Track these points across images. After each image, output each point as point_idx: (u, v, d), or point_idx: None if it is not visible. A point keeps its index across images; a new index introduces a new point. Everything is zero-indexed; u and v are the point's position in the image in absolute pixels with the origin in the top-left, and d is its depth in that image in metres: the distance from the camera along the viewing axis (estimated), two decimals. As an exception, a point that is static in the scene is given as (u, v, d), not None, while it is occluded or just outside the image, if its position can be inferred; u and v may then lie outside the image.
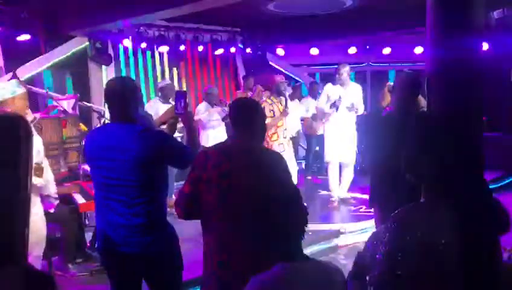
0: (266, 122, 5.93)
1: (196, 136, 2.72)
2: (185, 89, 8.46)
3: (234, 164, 2.33)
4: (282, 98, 6.08)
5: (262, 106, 6.04)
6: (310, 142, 8.07)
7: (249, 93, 7.45)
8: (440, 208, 1.39)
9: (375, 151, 3.37)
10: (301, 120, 7.88)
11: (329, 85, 6.40)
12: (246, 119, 2.45)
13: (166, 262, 2.59)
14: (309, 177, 8.10)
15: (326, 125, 6.47)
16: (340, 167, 6.44)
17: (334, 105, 6.11)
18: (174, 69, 8.56)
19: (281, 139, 6.05)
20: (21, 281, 0.89)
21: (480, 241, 1.38)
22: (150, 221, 2.49)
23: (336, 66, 6.31)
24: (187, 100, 2.76)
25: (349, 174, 6.44)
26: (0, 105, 3.12)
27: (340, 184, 6.51)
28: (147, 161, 2.45)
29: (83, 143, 3.09)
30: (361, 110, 6.27)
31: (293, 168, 6.18)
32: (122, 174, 2.47)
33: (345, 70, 6.13)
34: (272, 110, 6.00)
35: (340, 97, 6.08)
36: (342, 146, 6.19)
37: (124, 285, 2.67)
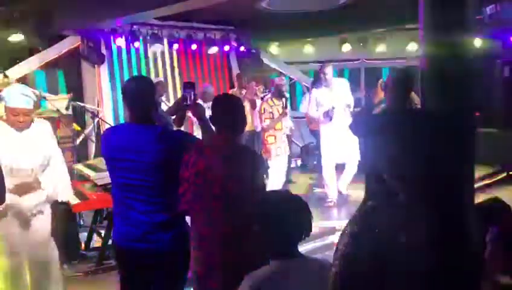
0: (264, 124, 6.01)
1: (210, 128, 2.69)
2: (178, 88, 8.43)
3: (207, 162, 2.36)
4: (283, 100, 6.07)
5: (263, 107, 6.06)
6: (317, 136, 7.83)
7: (243, 91, 7.42)
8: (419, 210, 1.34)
9: (368, 151, 3.34)
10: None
11: (314, 91, 6.32)
12: (223, 117, 2.46)
13: (181, 260, 2.60)
14: (308, 176, 8.06)
15: (322, 127, 6.39)
16: (343, 165, 6.39)
17: (328, 115, 6.05)
18: (168, 67, 8.52)
19: (279, 143, 6.04)
20: None
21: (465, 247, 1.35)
22: (170, 218, 2.51)
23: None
24: (195, 91, 2.75)
25: (351, 171, 6.36)
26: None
27: (341, 179, 6.46)
28: (166, 162, 2.47)
29: (100, 142, 3.09)
30: (351, 104, 6.21)
31: (283, 168, 6.17)
32: (142, 175, 2.49)
33: (330, 70, 6.08)
34: (271, 112, 6.01)
35: (333, 107, 6.02)
36: (341, 147, 6.09)
37: (137, 283, 2.66)
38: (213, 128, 2.72)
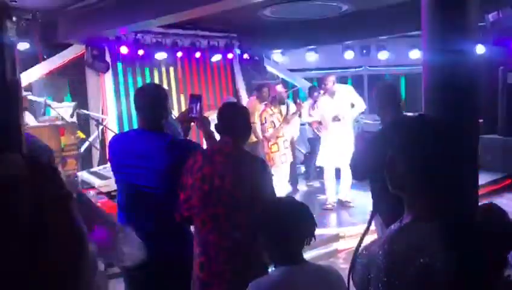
0: (267, 134, 6.08)
1: (215, 140, 2.70)
2: (182, 96, 8.46)
3: (215, 168, 2.36)
4: (283, 107, 6.13)
5: (263, 116, 6.08)
6: (314, 146, 7.85)
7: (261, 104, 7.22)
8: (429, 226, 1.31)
9: (369, 165, 3.33)
10: (309, 124, 7.62)
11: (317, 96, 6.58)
12: (229, 125, 2.47)
13: (189, 267, 2.57)
14: (311, 183, 8.05)
15: (322, 130, 6.52)
16: (340, 171, 6.43)
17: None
18: (172, 75, 8.56)
19: (282, 150, 6.08)
20: (21, 168, 0.81)
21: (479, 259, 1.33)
22: (177, 226, 2.50)
23: (331, 71, 6.40)
24: (202, 104, 2.75)
25: (348, 178, 6.40)
26: None
27: (340, 188, 6.50)
28: (174, 170, 2.45)
29: (107, 148, 3.03)
30: (359, 108, 6.31)
31: (286, 176, 6.22)
32: (149, 182, 2.48)
33: (329, 80, 6.24)
34: (272, 121, 6.05)
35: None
36: (338, 151, 6.14)
37: None
38: (217, 139, 2.73)
